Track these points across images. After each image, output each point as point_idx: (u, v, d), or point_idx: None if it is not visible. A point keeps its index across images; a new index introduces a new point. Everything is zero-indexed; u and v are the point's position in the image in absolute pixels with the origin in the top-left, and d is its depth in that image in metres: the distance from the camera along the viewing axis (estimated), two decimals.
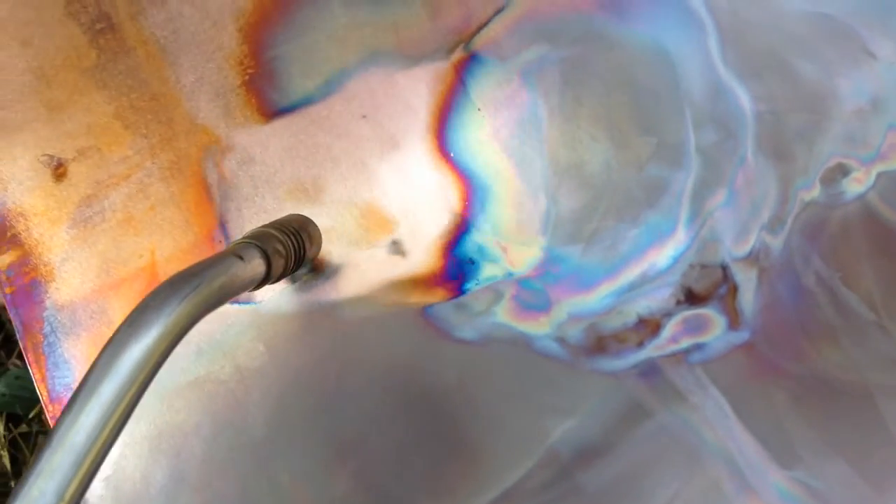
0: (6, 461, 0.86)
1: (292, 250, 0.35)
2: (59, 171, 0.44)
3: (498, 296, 0.39)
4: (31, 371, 0.41)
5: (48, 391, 0.40)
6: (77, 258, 0.42)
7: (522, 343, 0.38)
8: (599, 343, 0.38)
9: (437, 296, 0.39)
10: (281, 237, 0.35)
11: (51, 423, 0.39)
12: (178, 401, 0.39)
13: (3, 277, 0.42)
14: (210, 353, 0.39)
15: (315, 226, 0.39)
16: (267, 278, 0.33)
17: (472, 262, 0.39)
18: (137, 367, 0.25)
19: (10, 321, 0.88)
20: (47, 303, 0.41)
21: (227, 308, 0.40)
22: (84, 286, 0.41)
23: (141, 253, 0.42)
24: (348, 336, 0.39)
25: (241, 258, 0.31)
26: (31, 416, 0.87)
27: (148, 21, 0.44)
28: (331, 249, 0.40)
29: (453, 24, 0.43)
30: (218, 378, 0.39)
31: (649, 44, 0.42)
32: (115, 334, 0.26)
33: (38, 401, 0.84)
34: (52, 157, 0.44)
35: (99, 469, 0.24)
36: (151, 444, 0.39)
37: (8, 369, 0.89)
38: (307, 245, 0.37)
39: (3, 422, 0.87)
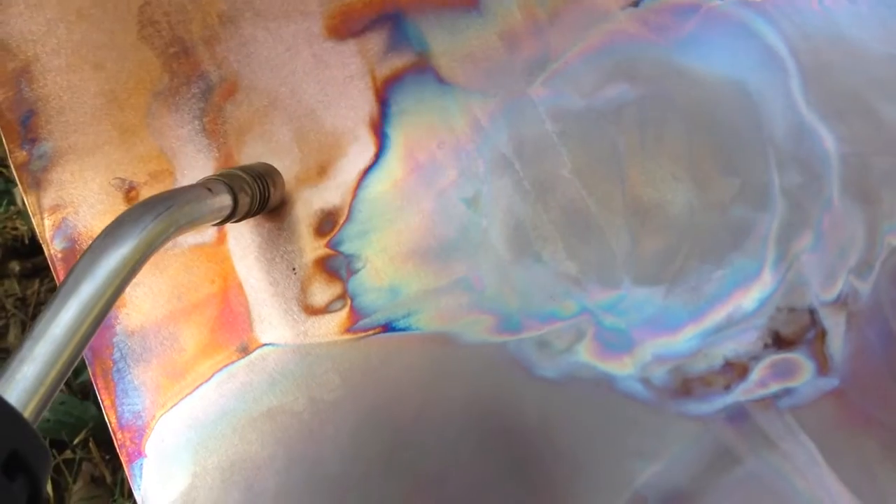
0: (48, 487, 0.85)
1: (258, 192, 0.37)
2: (130, 194, 0.43)
3: (580, 334, 0.38)
4: (99, 397, 0.40)
5: (117, 418, 0.40)
6: (148, 283, 0.41)
7: (605, 383, 0.37)
8: (685, 385, 0.37)
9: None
10: (248, 178, 0.37)
11: (119, 451, 0.38)
12: (250, 432, 0.38)
13: None
14: (284, 383, 0.39)
15: (279, 174, 0.41)
16: (233, 214, 0.35)
17: (553, 299, 0.38)
18: (113, 272, 0.28)
19: None
20: (117, 328, 0.41)
21: (302, 340, 0.39)
22: (155, 312, 0.41)
23: (213, 278, 0.41)
24: (426, 370, 0.38)
25: (210, 190, 0.34)
26: (75, 442, 0.86)
27: (221, 45, 0.44)
28: (409, 281, 0.40)
29: (531, 58, 0.43)
30: (292, 410, 0.38)
31: (730, 83, 0.41)
32: (93, 242, 0.28)
33: (83, 427, 0.83)
34: (123, 180, 0.44)
35: (76, 362, 0.26)
36: (223, 476, 0.38)
37: None
38: (271, 189, 0.39)
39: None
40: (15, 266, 0.98)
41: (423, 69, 0.43)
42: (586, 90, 0.42)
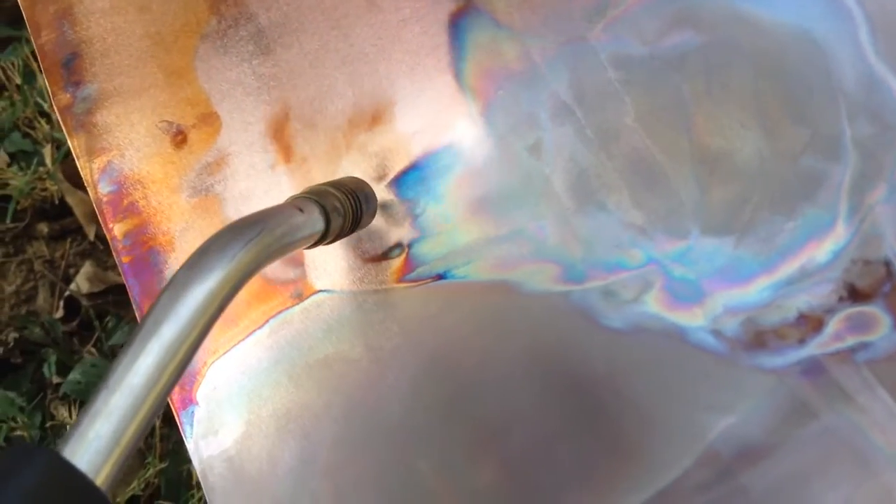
0: None
1: (350, 210, 0.34)
2: (178, 137, 0.42)
3: (647, 285, 0.37)
4: None
5: None
6: (198, 227, 0.40)
7: (675, 335, 0.36)
8: (758, 338, 0.36)
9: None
10: (339, 196, 0.34)
11: (175, 414, 0.37)
12: (306, 380, 0.37)
13: (120, 246, 0.40)
14: (340, 331, 0.38)
15: (370, 188, 0.38)
16: (325, 235, 0.32)
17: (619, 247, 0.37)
18: (199, 310, 0.24)
19: (85, 308, 0.87)
20: (166, 273, 0.40)
21: (358, 287, 0.38)
22: None
23: None
24: (487, 319, 0.37)
25: (301, 210, 0.30)
26: None
27: None
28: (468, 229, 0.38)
29: (589, 3, 0.41)
30: (349, 357, 0.37)
31: (796, 32, 0.40)
32: (175, 276, 0.25)
33: None
34: (171, 123, 0.42)
35: (158, 413, 0.23)
36: (278, 424, 0.37)
37: (83, 357, 0.88)
38: (364, 206, 0.36)
39: (77, 410, 0.85)
40: (43, 228, 0.97)
41: (478, 13, 0.41)
42: (648, 37, 0.40)
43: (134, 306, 0.40)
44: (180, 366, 0.23)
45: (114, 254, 0.41)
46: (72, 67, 0.43)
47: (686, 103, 0.39)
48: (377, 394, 0.36)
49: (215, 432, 0.37)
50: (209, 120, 0.42)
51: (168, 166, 0.41)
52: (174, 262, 0.40)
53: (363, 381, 0.37)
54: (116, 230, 0.41)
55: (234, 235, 0.26)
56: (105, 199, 0.41)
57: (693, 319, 0.36)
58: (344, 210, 0.33)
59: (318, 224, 0.31)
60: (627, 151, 0.39)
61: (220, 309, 0.25)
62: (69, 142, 0.43)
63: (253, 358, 0.37)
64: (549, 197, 0.38)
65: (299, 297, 0.38)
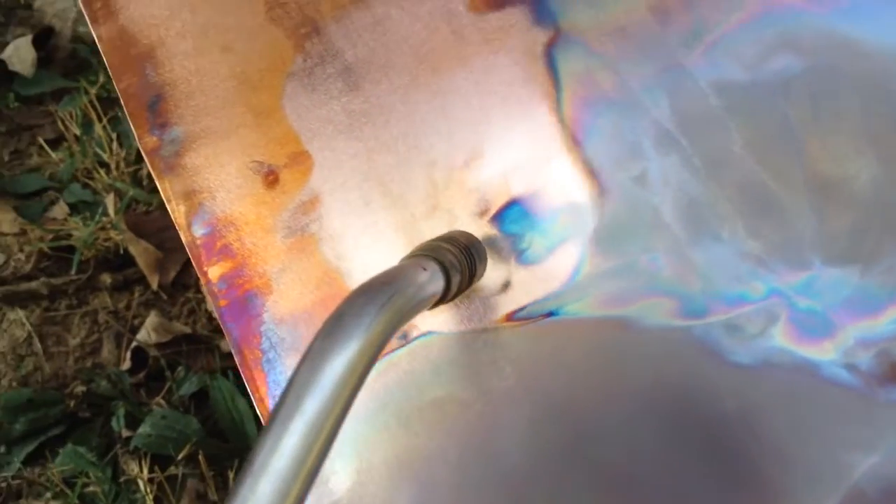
0: None
1: (466, 266, 0.32)
2: (269, 177, 0.41)
3: (772, 318, 0.35)
4: (248, 389, 0.38)
5: (268, 411, 0.37)
6: (295, 268, 0.39)
7: (807, 369, 0.34)
8: (894, 371, 0.34)
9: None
10: (454, 251, 0.32)
11: None
12: (417, 423, 0.36)
13: (216, 290, 0.39)
14: (449, 372, 0.36)
15: (480, 241, 0.36)
16: (446, 294, 0.30)
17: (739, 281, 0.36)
18: (341, 381, 0.23)
19: (154, 358, 0.86)
20: (265, 316, 0.39)
21: (465, 327, 0.37)
22: (304, 298, 0.39)
23: (363, 262, 0.39)
24: (604, 356, 0.35)
25: (424, 269, 0.29)
26: (180, 457, 0.83)
27: (354, 24, 0.42)
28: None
29: (684, 29, 0.40)
30: (461, 399, 0.36)
31: None
32: (311, 346, 0.23)
33: (186, 441, 0.81)
34: (261, 163, 0.41)
35: (305, 499, 0.22)
36: (390, 471, 0.35)
37: (152, 409, 0.87)
38: (477, 261, 0.34)
39: (148, 464, 0.83)
40: (106, 279, 0.96)
41: (570, 42, 0.40)
42: (749, 62, 0.39)
43: (233, 351, 0.38)
44: (326, 444, 0.22)
45: (209, 298, 0.39)
46: (157, 110, 0.43)
47: (794, 130, 0.38)
48: (493, 437, 0.35)
49: (325, 481, 0.35)
50: (300, 159, 0.41)
51: (261, 207, 0.40)
52: (272, 304, 0.39)
53: (477, 424, 0.35)
54: (211, 273, 0.40)
55: (367, 300, 0.25)
56: (198, 241, 0.40)
57: (824, 353, 0.35)
58: (461, 266, 0.32)
59: (440, 282, 0.30)
60: (738, 180, 0.37)
61: (362, 378, 0.24)
62: (158, 185, 0.42)
63: (359, 403, 0.36)
64: (660, 228, 0.37)
65: (405, 339, 0.37)
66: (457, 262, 0.32)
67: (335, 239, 0.39)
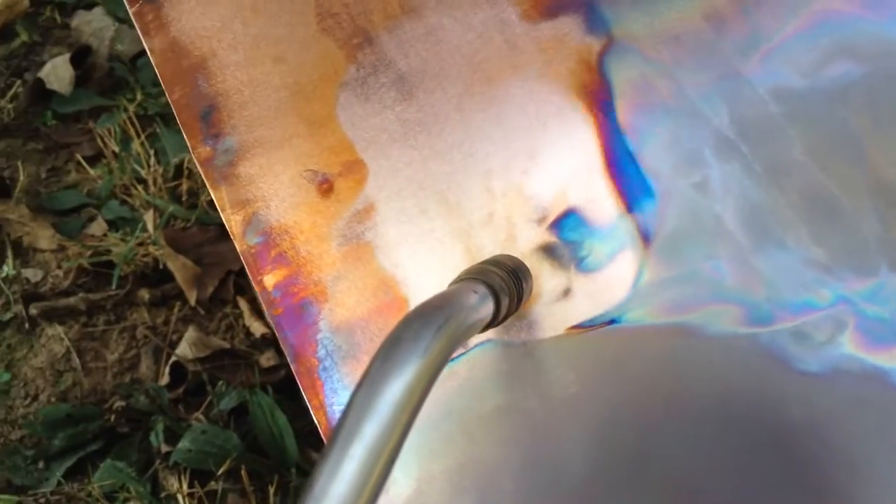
0: None
1: (513, 289, 0.32)
2: (324, 186, 0.41)
3: (840, 325, 0.34)
4: (305, 398, 0.38)
5: (327, 419, 0.37)
6: (351, 276, 0.39)
7: (878, 377, 0.34)
8: None
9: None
10: (501, 274, 0.32)
11: None
12: (479, 432, 0.35)
13: (271, 298, 0.39)
14: (510, 381, 0.36)
15: (525, 265, 0.36)
16: (495, 317, 0.30)
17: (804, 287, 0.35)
18: (400, 405, 0.23)
19: (192, 373, 0.86)
20: (321, 324, 0.38)
21: (525, 336, 0.36)
22: (361, 306, 0.38)
23: (420, 270, 0.39)
24: (670, 365, 0.35)
25: (475, 293, 0.29)
26: (220, 472, 0.83)
27: (406, 35, 0.42)
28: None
29: (740, 37, 0.40)
30: (523, 408, 0.35)
31: None
32: (369, 370, 0.23)
33: (227, 456, 0.80)
34: (315, 172, 0.41)
35: None
36: (452, 481, 0.35)
37: (191, 424, 0.87)
38: (524, 284, 0.34)
39: (188, 479, 0.83)
40: (144, 294, 0.97)
41: (625, 49, 0.40)
42: (807, 70, 0.39)
43: (289, 359, 0.38)
44: (386, 468, 0.22)
45: (263, 306, 0.39)
46: (210, 120, 0.43)
47: (855, 136, 0.38)
48: (557, 446, 0.34)
49: (385, 490, 0.35)
50: (355, 168, 0.41)
51: (316, 215, 0.40)
52: (328, 312, 0.39)
53: (541, 434, 0.34)
54: (266, 282, 0.39)
55: (422, 324, 0.25)
56: (252, 250, 0.40)
57: (894, 360, 0.34)
58: (509, 290, 0.32)
59: (490, 305, 0.29)
60: (801, 186, 0.37)
61: (421, 402, 0.23)
62: (212, 194, 0.42)
63: (420, 412, 0.36)
64: (723, 235, 0.37)
65: (464, 348, 0.37)
66: (505, 286, 0.31)
67: (391, 247, 0.39)
